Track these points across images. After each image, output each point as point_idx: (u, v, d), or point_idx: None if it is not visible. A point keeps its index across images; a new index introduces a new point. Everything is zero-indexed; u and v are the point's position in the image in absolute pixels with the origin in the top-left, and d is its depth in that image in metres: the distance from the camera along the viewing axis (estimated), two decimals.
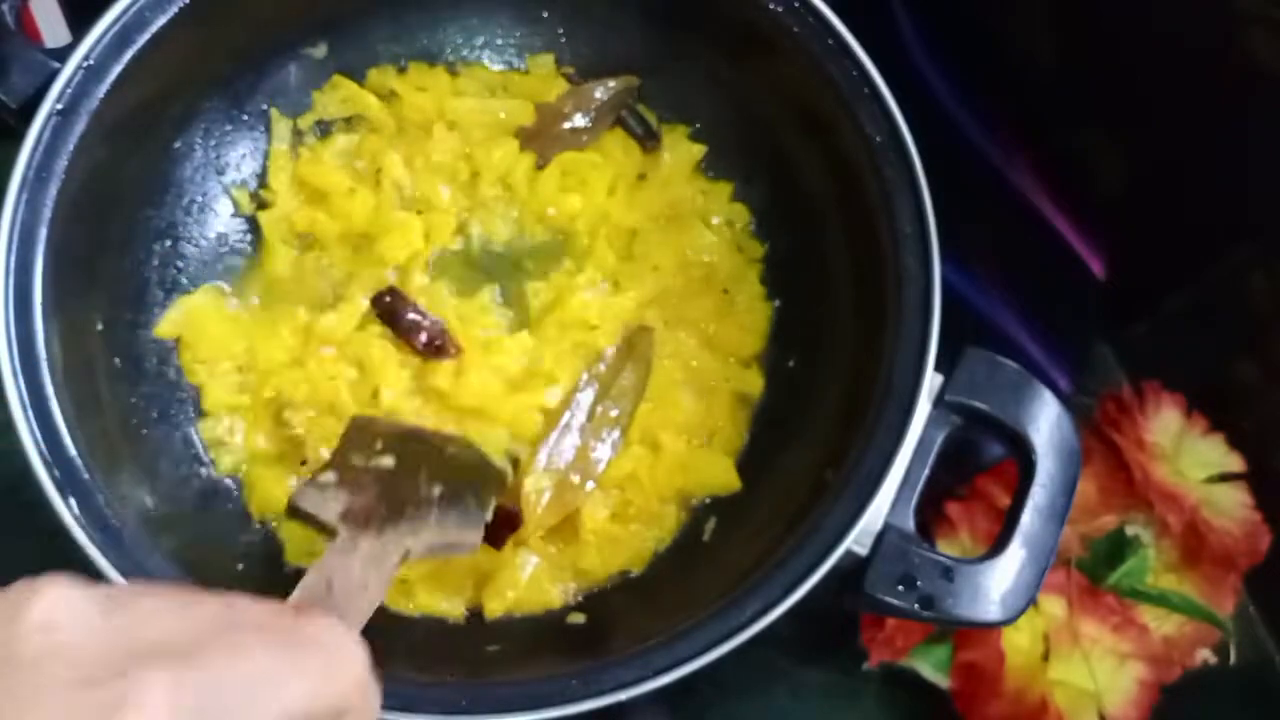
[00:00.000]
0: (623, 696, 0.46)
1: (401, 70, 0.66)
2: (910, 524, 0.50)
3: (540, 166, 0.64)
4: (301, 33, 0.63)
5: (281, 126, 0.63)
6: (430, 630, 0.56)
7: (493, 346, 0.60)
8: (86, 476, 0.47)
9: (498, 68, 0.67)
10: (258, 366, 0.59)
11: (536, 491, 0.57)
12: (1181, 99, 0.64)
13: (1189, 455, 0.65)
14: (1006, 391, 0.51)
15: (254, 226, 0.62)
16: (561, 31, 0.67)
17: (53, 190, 0.49)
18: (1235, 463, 0.65)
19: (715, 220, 0.65)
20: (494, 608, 0.57)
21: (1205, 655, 0.64)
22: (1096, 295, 0.73)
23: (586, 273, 0.62)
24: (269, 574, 0.56)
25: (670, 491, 0.60)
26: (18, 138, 0.49)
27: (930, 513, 0.63)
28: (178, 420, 0.58)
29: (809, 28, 0.56)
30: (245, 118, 0.62)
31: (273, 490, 0.57)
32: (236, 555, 0.56)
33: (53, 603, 0.27)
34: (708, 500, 0.60)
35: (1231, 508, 0.64)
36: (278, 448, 0.59)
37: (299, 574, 0.41)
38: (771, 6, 0.57)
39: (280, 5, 0.60)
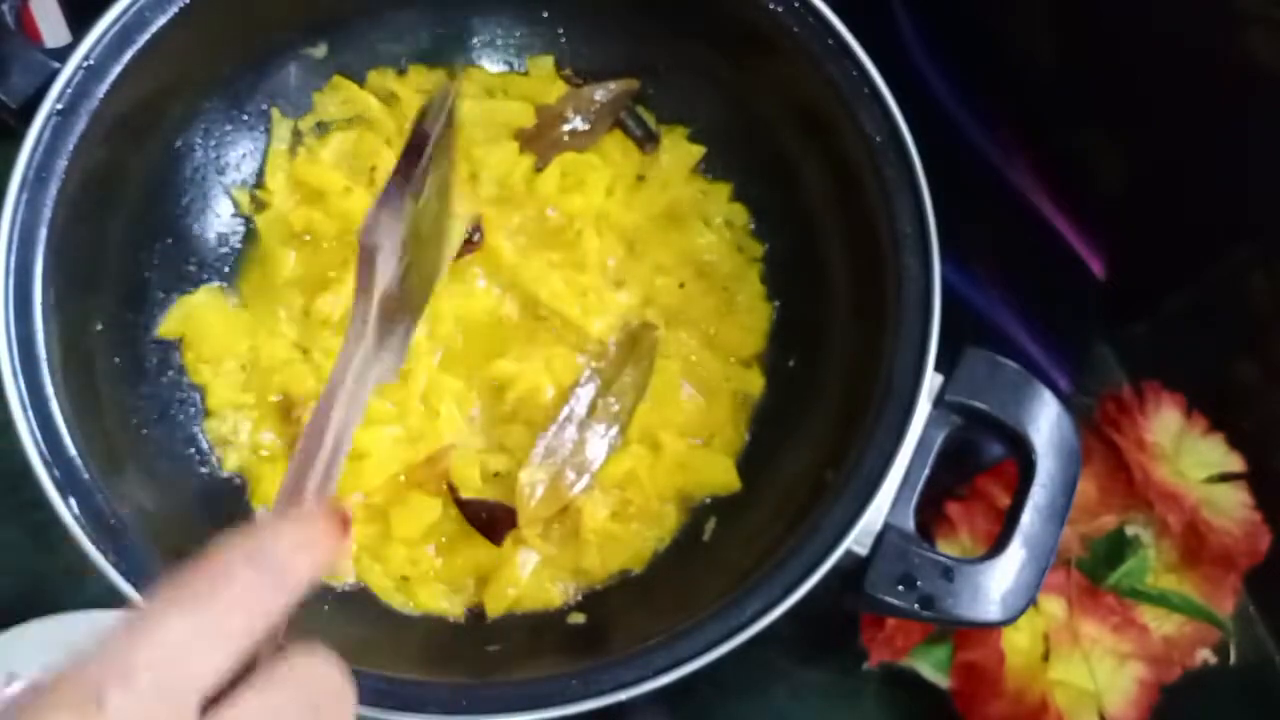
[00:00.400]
0: (623, 696, 0.46)
1: (401, 72, 0.66)
2: (910, 524, 0.50)
3: (539, 169, 0.64)
4: (301, 33, 0.63)
5: (283, 128, 0.63)
6: (430, 630, 0.56)
7: None
8: (86, 476, 0.47)
9: (497, 69, 0.67)
10: (261, 364, 0.59)
11: (530, 485, 0.57)
12: (1181, 99, 0.64)
13: (1189, 455, 0.65)
14: (1006, 391, 0.51)
15: (254, 226, 0.62)
16: (561, 32, 0.66)
17: (53, 190, 0.49)
18: (1235, 463, 0.65)
19: (715, 220, 0.65)
20: (495, 606, 0.57)
21: (1205, 655, 0.64)
22: (1096, 295, 0.73)
23: (587, 273, 0.62)
24: None
25: (670, 491, 0.60)
26: (18, 138, 0.49)
27: (930, 513, 0.63)
28: (178, 419, 0.58)
29: (809, 28, 0.56)
30: (245, 118, 0.62)
31: (278, 486, 0.57)
32: None
33: None
34: (708, 500, 0.60)
35: (1231, 508, 0.64)
36: (285, 443, 0.59)
37: None
38: (771, 6, 0.56)
39: (280, 5, 0.60)
